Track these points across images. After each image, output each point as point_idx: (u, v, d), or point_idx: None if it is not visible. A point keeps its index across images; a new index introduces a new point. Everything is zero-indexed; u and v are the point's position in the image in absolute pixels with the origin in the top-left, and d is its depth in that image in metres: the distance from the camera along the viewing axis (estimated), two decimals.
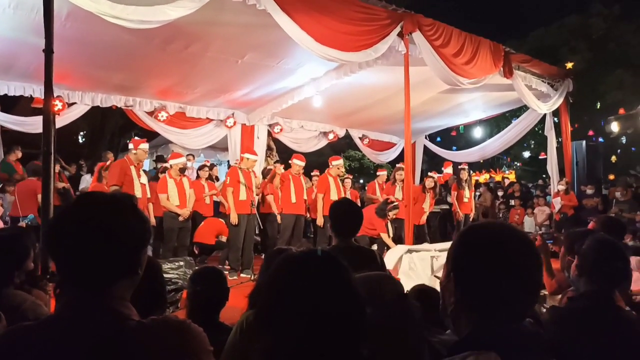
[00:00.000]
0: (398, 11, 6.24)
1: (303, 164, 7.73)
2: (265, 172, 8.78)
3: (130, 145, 6.53)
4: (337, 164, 7.79)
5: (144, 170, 6.85)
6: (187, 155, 8.67)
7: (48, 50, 2.87)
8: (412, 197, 8.06)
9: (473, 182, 9.84)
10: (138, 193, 6.11)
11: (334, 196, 7.36)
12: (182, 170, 6.84)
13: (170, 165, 6.82)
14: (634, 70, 18.16)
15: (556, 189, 9.03)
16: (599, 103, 18.76)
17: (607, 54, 19.17)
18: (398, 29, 6.16)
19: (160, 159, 9.83)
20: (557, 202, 8.78)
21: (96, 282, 1.03)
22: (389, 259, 5.82)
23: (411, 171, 6.96)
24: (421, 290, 2.38)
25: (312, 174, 9.46)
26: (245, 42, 6.20)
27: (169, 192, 6.56)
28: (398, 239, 7.93)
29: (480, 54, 7.11)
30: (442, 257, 5.58)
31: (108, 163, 7.04)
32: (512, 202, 10.60)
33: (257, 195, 7.33)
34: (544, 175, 15.61)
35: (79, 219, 1.04)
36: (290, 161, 7.81)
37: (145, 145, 6.52)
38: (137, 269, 1.09)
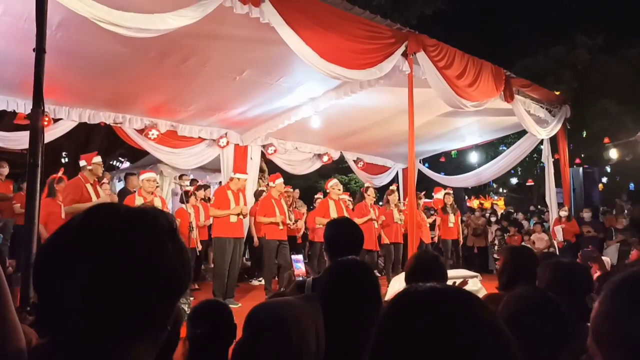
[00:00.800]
0: (403, 30, 6.11)
1: (282, 180, 7.33)
2: (257, 194, 8.50)
3: (83, 162, 5.67)
4: (332, 184, 7.58)
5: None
6: (182, 175, 8.25)
7: (39, 50, 2.56)
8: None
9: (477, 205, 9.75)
10: None
11: None
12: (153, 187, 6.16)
13: (141, 182, 6.25)
14: (618, 100, 18.53)
15: (556, 216, 8.88)
16: (584, 131, 19.03)
17: (591, 84, 19.57)
18: (402, 49, 6.01)
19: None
20: (559, 230, 8.62)
21: (103, 344, 0.69)
22: (394, 287, 5.51)
23: (414, 194, 6.71)
24: None
25: (315, 196, 9.23)
26: (245, 57, 5.98)
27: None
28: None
29: (482, 76, 7.01)
30: None
31: (60, 174, 6.46)
32: (510, 231, 10.42)
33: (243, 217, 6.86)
34: (539, 206, 15.55)
35: (85, 244, 0.69)
36: (271, 183, 7.36)
37: (98, 159, 5.76)
38: (164, 323, 0.75)
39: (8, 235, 7.01)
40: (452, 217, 9.02)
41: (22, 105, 6.67)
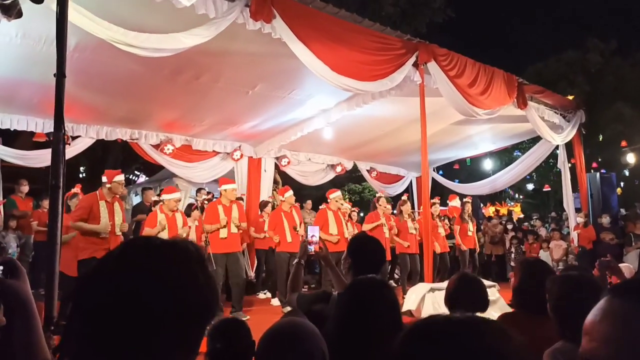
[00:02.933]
0: (413, 41, 6.14)
1: (291, 193, 7.35)
2: (262, 205, 8.41)
3: (104, 179, 5.60)
4: (334, 196, 7.42)
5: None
6: (200, 189, 8.29)
7: (60, 75, 2.63)
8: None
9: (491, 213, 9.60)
10: (105, 232, 5.25)
11: (332, 230, 7.03)
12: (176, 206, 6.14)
13: (163, 201, 6.20)
14: (633, 103, 18.28)
15: (575, 222, 8.76)
16: (600, 136, 18.79)
17: (605, 88, 19.35)
18: (413, 59, 6.05)
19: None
20: (575, 236, 8.51)
21: None
22: (411, 299, 5.49)
23: (428, 203, 6.68)
24: None
25: (320, 207, 9.18)
26: (256, 72, 6.06)
27: (157, 226, 5.88)
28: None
29: (494, 84, 7.00)
30: None
31: (73, 191, 6.52)
32: (529, 239, 10.27)
33: (241, 230, 6.67)
34: (558, 212, 15.34)
35: (123, 275, 0.75)
36: (281, 197, 7.40)
37: (120, 177, 5.62)
38: (195, 347, 0.79)
39: (29, 252, 7.15)
40: (470, 226, 8.88)
41: (41, 125, 6.85)
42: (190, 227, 6.71)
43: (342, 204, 7.47)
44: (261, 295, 8.25)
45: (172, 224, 5.99)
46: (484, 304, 2.32)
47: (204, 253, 0.85)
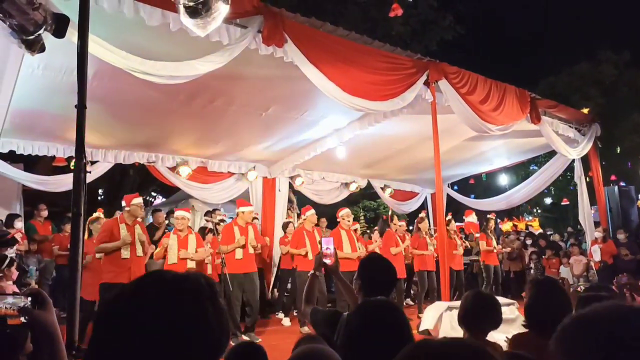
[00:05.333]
0: (423, 60, 6.20)
1: (313, 212, 7.39)
2: (284, 226, 8.47)
3: (123, 203, 5.81)
4: (343, 214, 7.32)
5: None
6: (214, 210, 8.37)
7: (81, 106, 2.73)
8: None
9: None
10: (126, 253, 5.40)
11: (347, 249, 6.98)
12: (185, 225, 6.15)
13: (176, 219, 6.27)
14: None
15: (593, 237, 8.63)
16: (618, 148, 18.52)
17: (620, 100, 19.15)
18: (424, 78, 6.10)
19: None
20: (596, 250, 8.36)
21: None
22: (428, 318, 5.44)
23: (443, 221, 6.65)
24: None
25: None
26: (270, 94, 6.17)
27: (168, 248, 5.94)
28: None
29: (506, 100, 7.00)
30: None
31: (95, 215, 6.69)
32: (546, 254, 10.12)
33: (257, 251, 6.70)
34: (576, 228, 15.10)
35: (137, 310, 0.79)
36: (303, 216, 7.49)
37: (138, 200, 5.76)
38: None
39: (49, 275, 7.27)
40: (494, 242, 8.77)
41: (62, 150, 7.04)
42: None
43: (349, 221, 7.40)
44: (280, 315, 8.21)
45: (183, 245, 6.00)
46: (498, 321, 2.31)
47: (216, 287, 0.87)
